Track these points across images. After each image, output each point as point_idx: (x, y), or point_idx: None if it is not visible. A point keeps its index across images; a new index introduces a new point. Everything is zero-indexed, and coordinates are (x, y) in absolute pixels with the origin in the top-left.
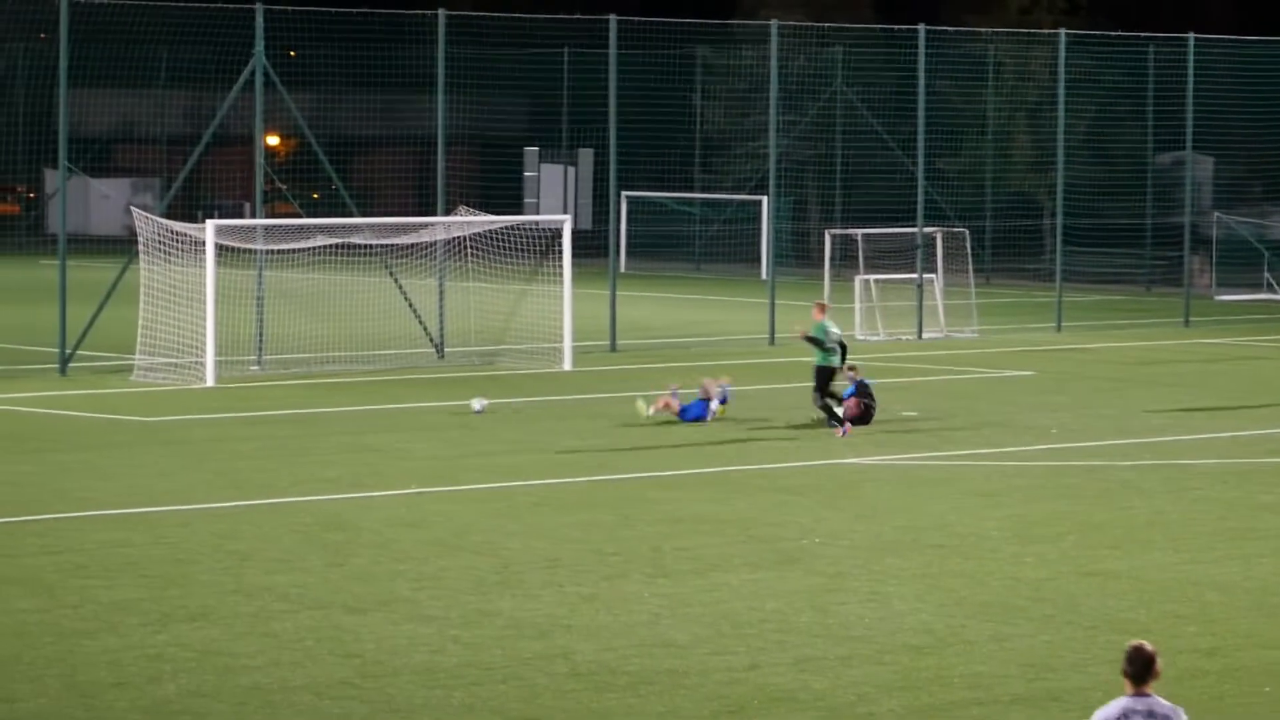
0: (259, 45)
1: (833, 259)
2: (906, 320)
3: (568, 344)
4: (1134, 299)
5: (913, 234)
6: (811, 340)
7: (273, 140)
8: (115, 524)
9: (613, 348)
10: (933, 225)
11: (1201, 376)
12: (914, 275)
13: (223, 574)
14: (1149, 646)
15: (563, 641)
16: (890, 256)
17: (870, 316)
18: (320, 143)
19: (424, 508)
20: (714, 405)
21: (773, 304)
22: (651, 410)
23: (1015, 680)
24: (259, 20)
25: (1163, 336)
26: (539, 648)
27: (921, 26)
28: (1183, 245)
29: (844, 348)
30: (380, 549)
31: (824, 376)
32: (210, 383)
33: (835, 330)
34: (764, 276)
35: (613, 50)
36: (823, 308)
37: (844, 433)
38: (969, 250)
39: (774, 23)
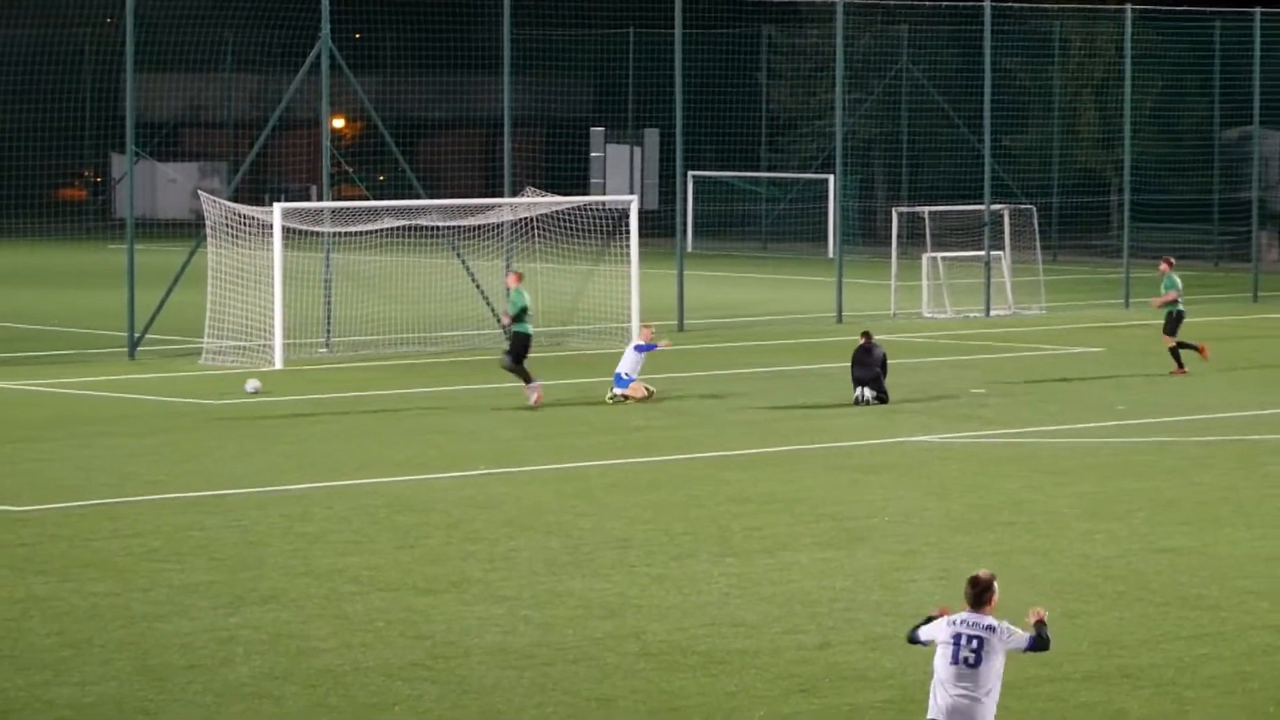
0: (325, 28)
1: (899, 237)
2: (974, 298)
3: (635, 324)
4: (1202, 274)
5: (980, 211)
6: (515, 318)
7: (339, 123)
8: (186, 507)
9: (680, 327)
10: (999, 202)
11: (1270, 352)
12: (981, 252)
13: (293, 556)
14: (985, 574)
15: (634, 621)
16: (957, 234)
17: (937, 294)
18: (386, 125)
19: (494, 489)
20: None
21: (840, 282)
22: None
23: (1086, 657)
24: (324, 3)
25: (1231, 312)
26: (610, 628)
27: (987, 3)
28: (1250, 220)
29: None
30: (451, 530)
31: (520, 343)
32: (278, 365)
33: (527, 296)
34: (831, 255)
35: (678, 30)
36: (519, 276)
37: (536, 398)
38: (1036, 227)
39: (840, 0)
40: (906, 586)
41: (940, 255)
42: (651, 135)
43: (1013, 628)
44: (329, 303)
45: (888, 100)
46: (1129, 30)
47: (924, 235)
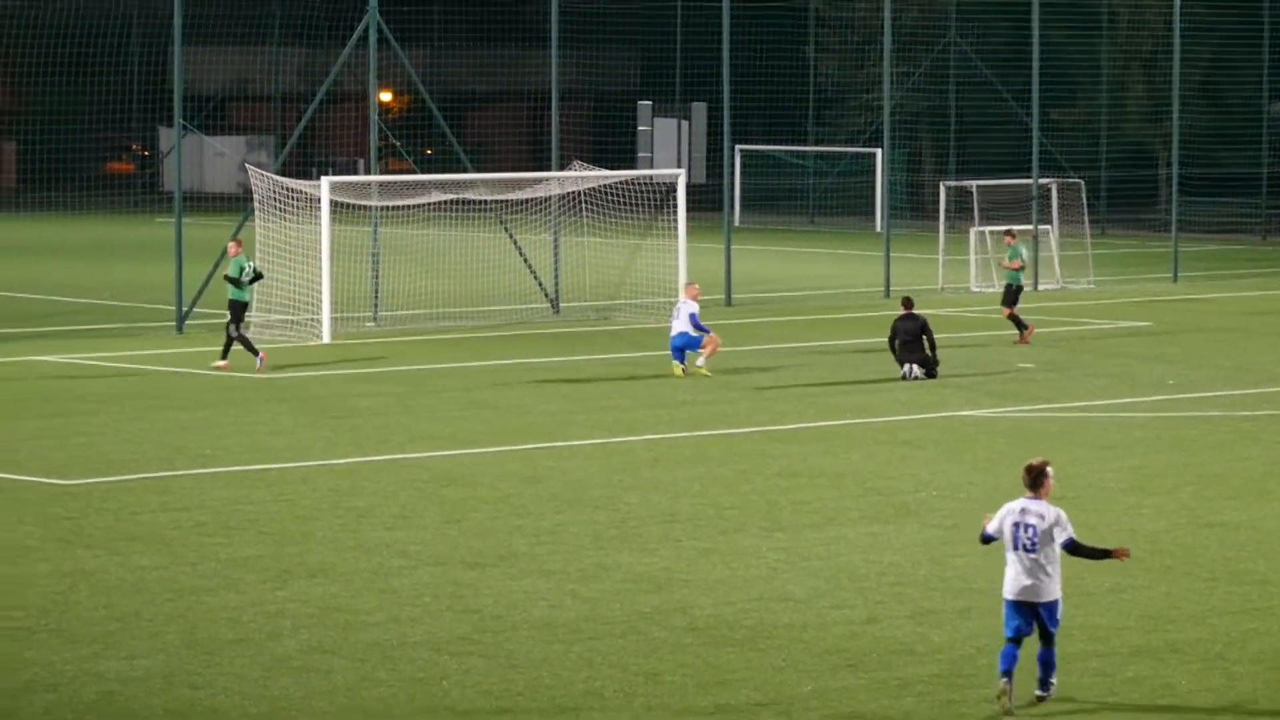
0: (372, 1)
1: (947, 211)
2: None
3: (683, 298)
4: (1250, 248)
5: (1027, 185)
6: (231, 280)
7: (386, 96)
8: (234, 481)
9: (728, 302)
10: (1047, 176)
11: None
12: (1029, 226)
13: (341, 530)
14: (1038, 461)
15: (681, 595)
16: (1005, 208)
17: (985, 268)
18: (434, 98)
19: (541, 463)
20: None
21: (888, 257)
22: (687, 366)
23: (1133, 632)
24: None
25: (1278, 285)
26: (657, 602)
27: None
28: None
29: (259, 275)
30: (498, 504)
31: (238, 310)
32: (326, 339)
33: (251, 264)
34: (878, 229)
35: (726, 3)
36: (239, 243)
37: (260, 362)
38: (1084, 201)
39: None
40: (954, 561)
41: (988, 229)
42: (699, 109)
43: (1063, 520)
44: (376, 277)
45: (935, 74)
46: (1177, 2)
47: (972, 209)
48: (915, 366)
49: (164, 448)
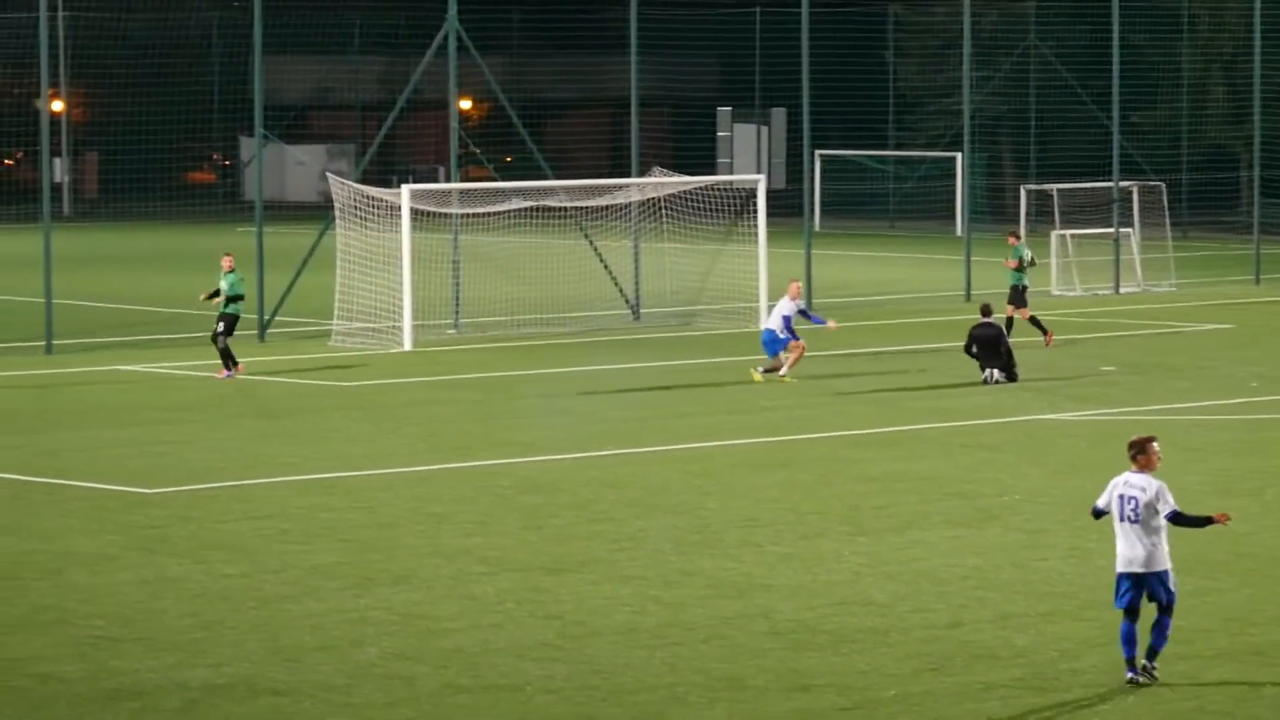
0: (452, 10)
1: (1028, 214)
2: (1103, 275)
3: (763, 303)
4: None
5: (1109, 188)
6: (231, 298)
7: (466, 104)
8: (315, 489)
9: (809, 306)
10: (1128, 179)
11: None
12: (1110, 230)
13: (422, 537)
14: (1142, 436)
15: (762, 601)
16: (1086, 211)
17: (1066, 271)
18: (513, 106)
19: (620, 469)
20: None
21: (968, 260)
22: (762, 370)
23: (1218, 635)
24: None
25: None
26: (739, 607)
27: None
28: None
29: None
30: (577, 510)
31: (230, 322)
32: (407, 347)
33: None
34: (959, 233)
35: (805, 9)
36: (229, 256)
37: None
38: (1165, 204)
39: None
40: (1036, 565)
41: (1069, 232)
42: (778, 114)
43: (1164, 492)
44: (457, 284)
45: (1015, 77)
46: (1258, 4)
47: (1053, 212)
48: (996, 371)
49: (246, 456)
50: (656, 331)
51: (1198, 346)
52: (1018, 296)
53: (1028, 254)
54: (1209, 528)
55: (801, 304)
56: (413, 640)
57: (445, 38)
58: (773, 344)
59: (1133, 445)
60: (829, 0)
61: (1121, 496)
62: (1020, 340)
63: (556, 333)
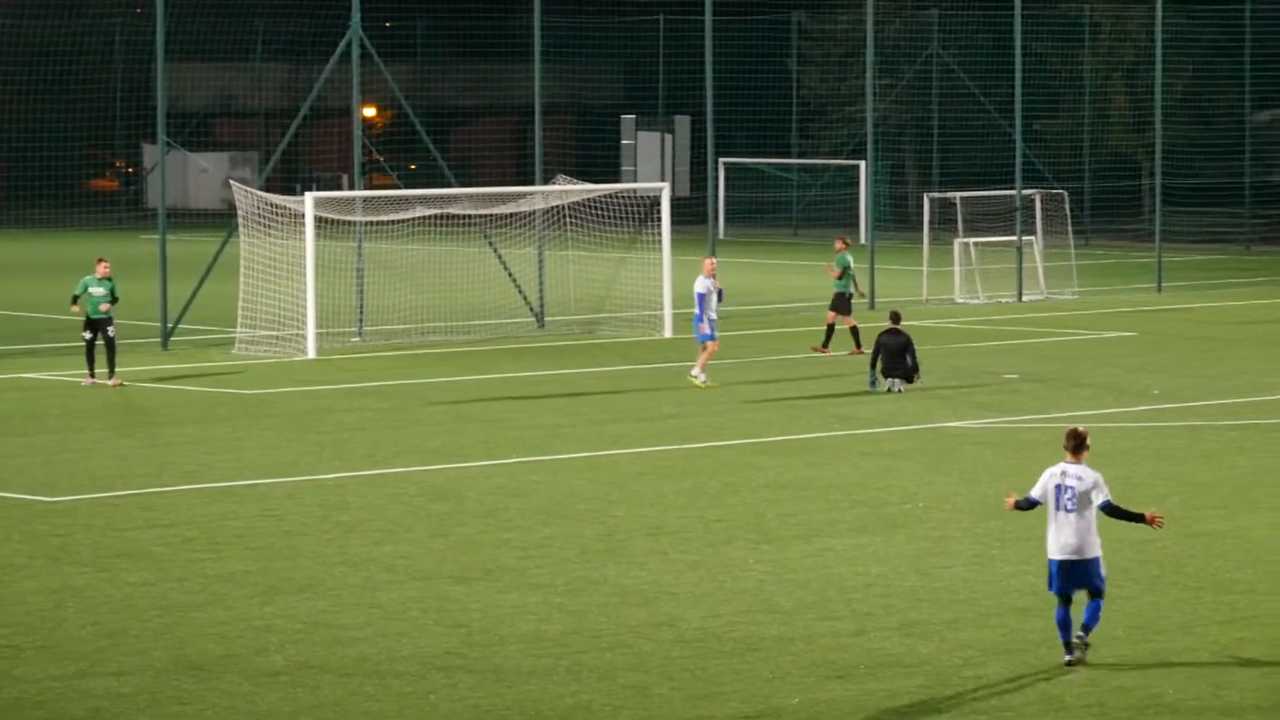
0: (355, 17)
1: (931, 222)
2: (1006, 283)
3: (668, 311)
4: (1234, 258)
5: (1011, 196)
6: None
7: (370, 112)
8: (221, 496)
9: None
10: (1031, 187)
11: None
12: (1013, 238)
13: (328, 545)
14: (1082, 428)
15: (668, 608)
16: (989, 219)
17: (970, 279)
18: (417, 114)
19: (527, 477)
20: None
21: (872, 268)
22: (700, 372)
23: (1122, 642)
24: None
25: (1264, 295)
26: (645, 615)
27: None
28: None
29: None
30: (484, 518)
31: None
32: (311, 354)
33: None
34: (863, 241)
35: (708, 16)
36: (102, 261)
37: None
38: (1068, 212)
39: None
40: (941, 572)
41: (972, 240)
42: (682, 122)
43: (1101, 483)
44: (361, 292)
45: (919, 85)
46: (1159, 14)
47: (956, 220)
48: (898, 381)
49: (150, 464)
50: (561, 339)
51: (1100, 354)
52: (842, 304)
53: (850, 261)
54: (1140, 525)
55: (717, 283)
56: (318, 649)
57: (349, 45)
58: (696, 329)
59: (1072, 436)
60: (733, 8)
61: (1059, 486)
62: (969, 346)
63: (461, 340)
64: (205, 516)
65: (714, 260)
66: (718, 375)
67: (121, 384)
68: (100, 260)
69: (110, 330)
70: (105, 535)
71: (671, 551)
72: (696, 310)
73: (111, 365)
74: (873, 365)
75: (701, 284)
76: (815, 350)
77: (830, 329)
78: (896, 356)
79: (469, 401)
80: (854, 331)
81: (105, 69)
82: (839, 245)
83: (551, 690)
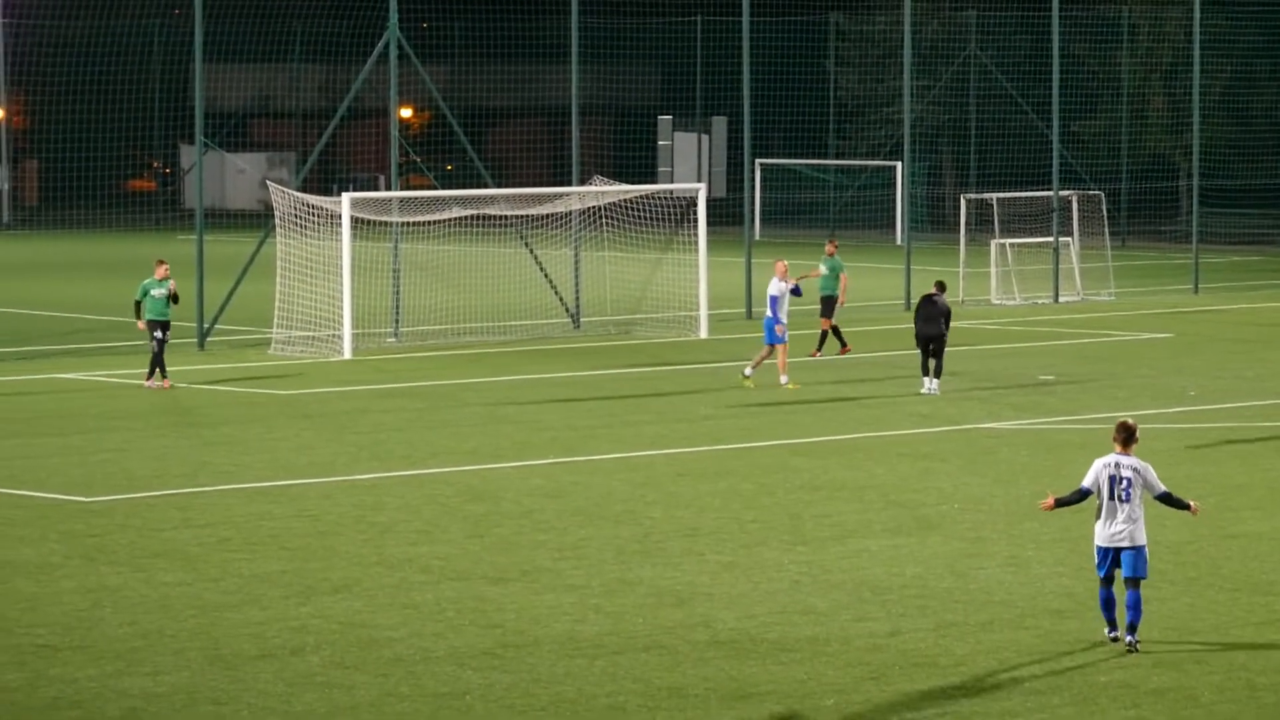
0: (393, 18)
1: (968, 224)
2: (1042, 284)
3: (703, 312)
4: (1271, 259)
5: (1048, 197)
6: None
7: (407, 113)
8: (257, 497)
9: (748, 315)
10: (1068, 188)
11: None
12: (1050, 239)
13: (364, 546)
14: (1131, 420)
15: (704, 609)
16: (1026, 220)
17: (1006, 280)
18: (454, 114)
19: (564, 478)
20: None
21: (908, 269)
22: (750, 371)
23: (1158, 644)
24: None
25: None
26: (680, 616)
27: None
28: None
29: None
30: (521, 519)
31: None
32: (347, 355)
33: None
34: (899, 242)
35: (746, 18)
36: (162, 263)
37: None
38: (1105, 213)
39: None
40: (976, 573)
41: (1009, 241)
42: (719, 123)
43: (1152, 473)
44: (397, 292)
45: (956, 87)
46: (1197, 14)
47: (992, 222)
48: (932, 381)
49: (187, 464)
50: (597, 340)
51: (1136, 355)
52: (827, 306)
53: (841, 264)
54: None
55: (791, 283)
56: (353, 649)
57: (386, 46)
58: (769, 330)
59: (1122, 428)
60: (770, 9)
61: (1113, 477)
62: (1006, 347)
63: (496, 341)
64: (241, 517)
65: (785, 263)
66: (757, 376)
67: (167, 386)
68: (160, 262)
69: (166, 333)
70: (141, 535)
71: (707, 553)
72: (769, 313)
73: (162, 367)
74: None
75: (775, 286)
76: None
77: (825, 334)
78: (934, 321)
79: (505, 403)
80: (835, 331)
81: (144, 70)
82: (830, 249)
83: (587, 691)
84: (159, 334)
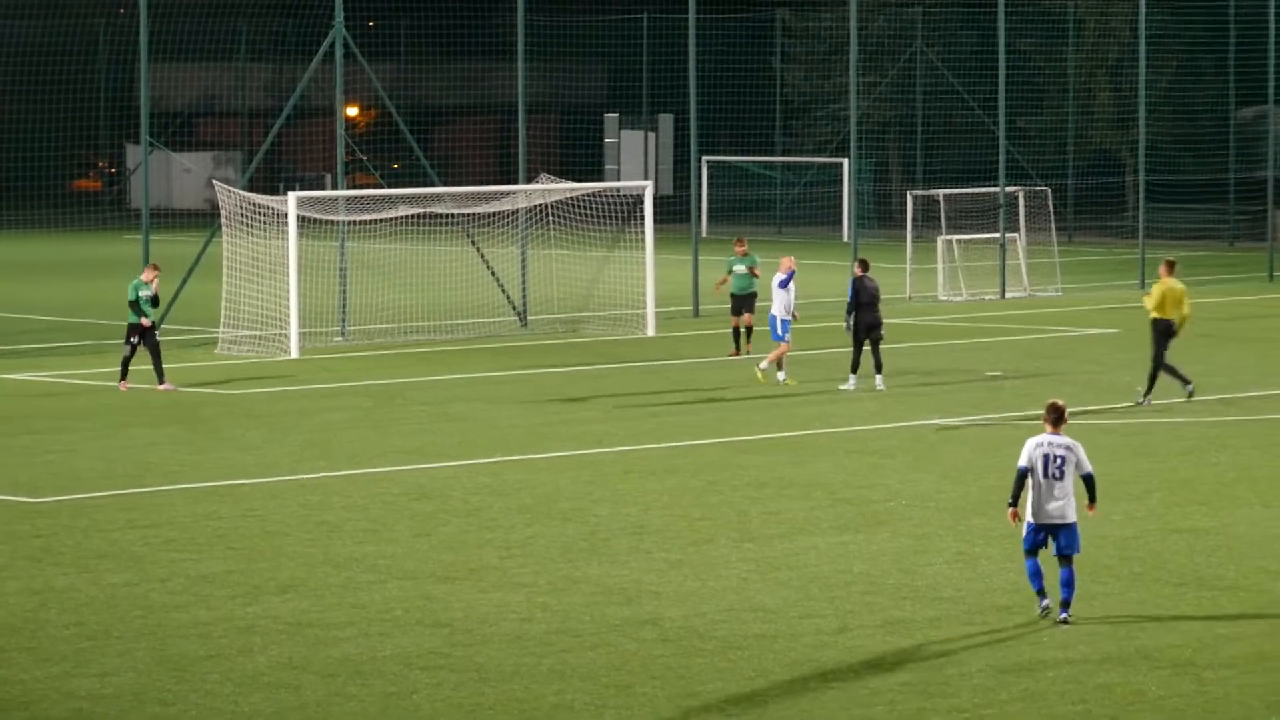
0: (338, 17)
1: (915, 220)
2: (989, 280)
3: (650, 310)
4: (1217, 254)
5: (995, 193)
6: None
7: (353, 111)
8: (203, 497)
9: (695, 313)
10: (1015, 184)
11: None
12: (996, 235)
13: (311, 545)
14: (1060, 401)
15: (651, 607)
16: (972, 216)
17: (953, 277)
18: (401, 113)
19: (510, 476)
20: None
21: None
22: (765, 365)
23: (1104, 638)
24: None
25: (1247, 292)
26: (627, 613)
27: None
28: (1266, 200)
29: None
30: (468, 518)
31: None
32: (294, 354)
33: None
34: (846, 239)
35: (692, 15)
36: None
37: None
38: (1051, 208)
39: None
40: (924, 570)
41: (955, 238)
42: (665, 120)
43: (1081, 451)
44: (344, 291)
45: (902, 83)
46: (1143, 10)
47: (939, 218)
48: (878, 379)
49: (133, 464)
50: (544, 338)
51: (1084, 351)
52: (745, 305)
53: (744, 265)
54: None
55: (782, 274)
56: (301, 649)
57: (332, 44)
58: (785, 326)
59: (1052, 409)
60: (716, 6)
61: (1046, 456)
62: (952, 343)
63: (444, 340)
64: (188, 517)
65: (792, 258)
66: (700, 372)
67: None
68: (153, 266)
69: (143, 338)
70: (88, 536)
71: (655, 550)
72: (776, 309)
73: (125, 370)
74: (850, 311)
75: (781, 281)
76: (738, 354)
77: (747, 331)
78: (870, 307)
79: (452, 401)
80: (744, 332)
81: (89, 69)
82: (740, 248)
83: (534, 689)
84: (134, 338)
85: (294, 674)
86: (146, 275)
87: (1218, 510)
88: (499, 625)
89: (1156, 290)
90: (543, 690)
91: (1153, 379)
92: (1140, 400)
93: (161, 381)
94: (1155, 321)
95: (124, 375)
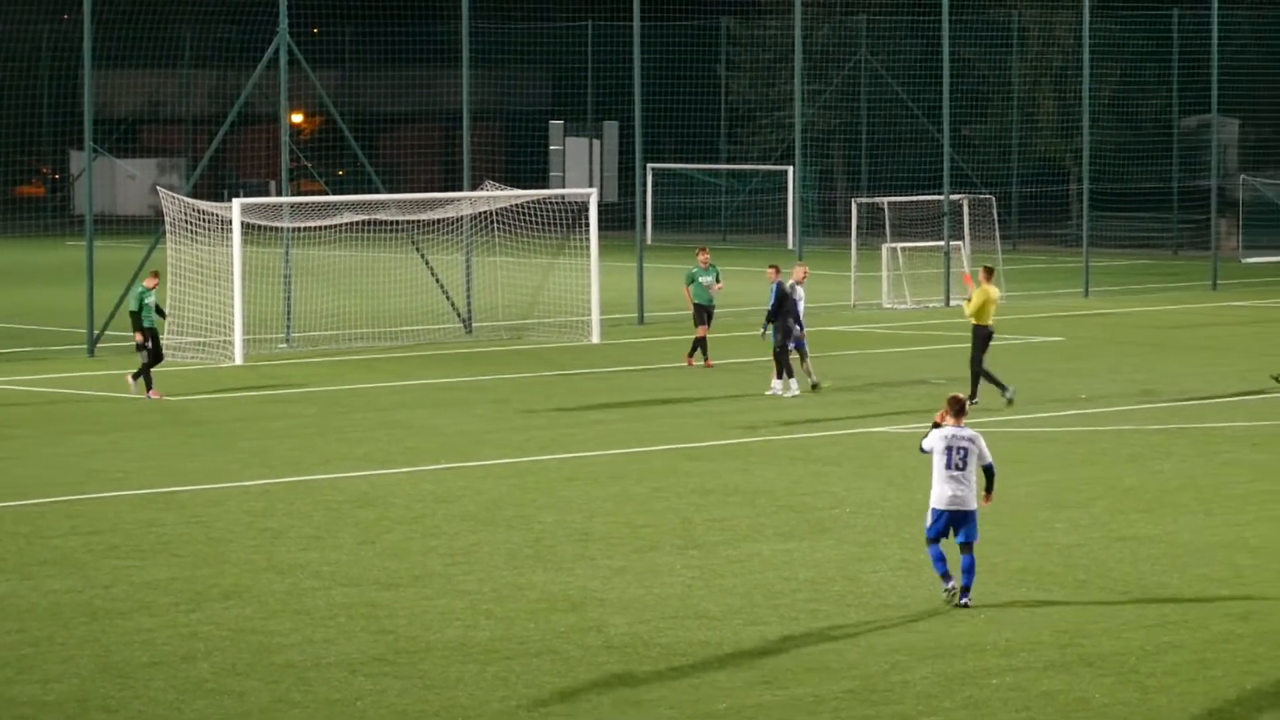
0: (283, 23)
1: (859, 227)
2: (933, 287)
3: (595, 317)
4: (1161, 263)
5: (939, 201)
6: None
7: (297, 118)
8: (147, 504)
9: (640, 320)
10: (959, 192)
11: (1229, 339)
12: (940, 242)
13: (255, 552)
14: (961, 394)
15: (596, 614)
16: (917, 224)
17: (897, 284)
18: (345, 120)
19: (454, 483)
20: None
21: None
22: (815, 377)
23: (1048, 646)
24: None
25: (1190, 300)
26: (572, 621)
27: None
28: (1209, 208)
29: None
30: (411, 525)
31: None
32: (239, 361)
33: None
34: (791, 246)
35: (636, 22)
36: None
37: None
38: (995, 216)
39: None
40: (868, 577)
41: (900, 245)
42: (610, 128)
43: (983, 442)
44: (289, 298)
45: (847, 91)
46: (1087, 19)
47: (883, 226)
48: (794, 383)
49: (75, 471)
50: (488, 345)
51: (1028, 358)
52: (709, 316)
53: (709, 278)
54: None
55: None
56: (244, 655)
57: (276, 51)
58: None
59: (954, 401)
60: (661, 14)
61: (950, 448)
62: (897, 351)
63: (388, 346)
64: (131, 524)
65: (805, 267)
66: (644, 379)
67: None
68: (154, 274)
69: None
70: (30, 542)
71: (599, 557)
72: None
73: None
74: (771, 319)
75: (797, 292)
76: (692, 363)
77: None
78: (793, 313)
79: (396, 408)
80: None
81: (32, 75)
82: (704, 258)
83: (478, 697)
84: (148, 343)
85: (238, 680)
86: (149, 283)
87: (1161, 518)
88: (443, 632)
89: (977, 297)
90: (487, 697)
91: (975, 383)
92: (972, 400)
93: (149, 389)
94: (976, 328)
95: (150, 384)
